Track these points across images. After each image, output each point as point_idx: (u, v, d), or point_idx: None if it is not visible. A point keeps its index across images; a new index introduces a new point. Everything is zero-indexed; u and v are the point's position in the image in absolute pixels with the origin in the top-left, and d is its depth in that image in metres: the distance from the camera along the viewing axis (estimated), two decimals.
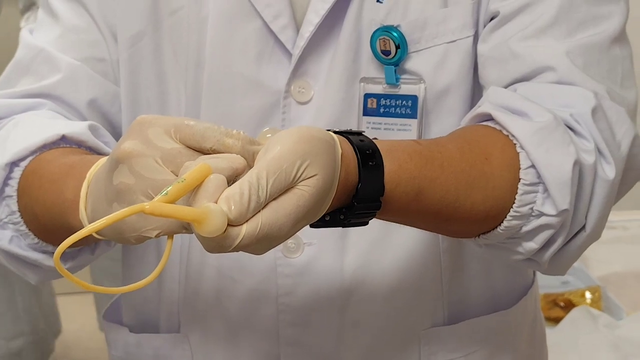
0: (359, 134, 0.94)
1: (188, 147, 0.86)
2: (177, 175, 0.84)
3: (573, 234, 1.03)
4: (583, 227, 1.04)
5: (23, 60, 1.18)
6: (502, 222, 1.01)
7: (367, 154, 0.92)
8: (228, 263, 1.16)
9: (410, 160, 0.95)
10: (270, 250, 1.10)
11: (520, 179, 1.00)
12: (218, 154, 0.85)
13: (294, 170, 0.84)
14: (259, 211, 0.82)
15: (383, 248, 1.15)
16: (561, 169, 0.99)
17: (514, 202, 1.00)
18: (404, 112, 1.11)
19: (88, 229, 0.80)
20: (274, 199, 0.83)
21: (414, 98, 1.11)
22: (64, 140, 1.07)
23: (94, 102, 1.17)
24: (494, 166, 1.00)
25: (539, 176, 1.00)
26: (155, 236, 0.86)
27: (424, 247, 1.15)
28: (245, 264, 1.15)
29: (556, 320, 2.23)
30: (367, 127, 1.12)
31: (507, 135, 1.02)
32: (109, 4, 1.17)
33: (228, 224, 0.81)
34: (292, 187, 0.84)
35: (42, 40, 1.18)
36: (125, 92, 1.17)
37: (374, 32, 1.10)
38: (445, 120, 1.12)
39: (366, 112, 1.12)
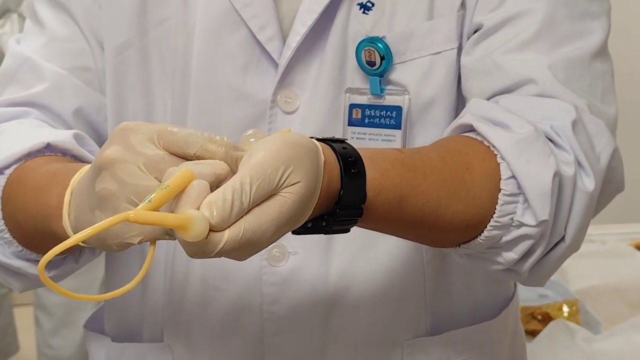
0: (342, 141, 0.95)
1: (171, 153, 0.86)
2: (160, 182, 0.85)
3: (552, 245, 1.05)
4: (562, 238, 1.05)
5: (9, 69, 1.18)
6: (483, 231, 1.02)
7: (350, 162, 0.93)
8: (213, 272, 1.16)
9: (393, 168, 0.96)
10: (255, 259, 1.12)
11: (500, 189, 1.01)
12: (202, 160, 0.86)
13: (278, 176, 0.84)
14: (242, 217, 0.83)
15: (367, 258, 1.16)
16: (541, 180, 1.00)
17: (494, 212, 1.01)
18: (388, 122, 1.12)
19: (72, 240, 0.80)
20: (257, 204, 0.84)
21: (398, 109, 1.12)
22: (48, 149, 1.07)
23: (80, 111, 1.17)
24: (474, 176, 1.01)
25: (519, 187, 1.01)
26: (138, 242, 0.86)
27: (408, 258, 1.16)
28: (230, 272, 1.16)
29: (533, 334, 2.24)
30: (352, 137, 1.13)
31: (488, 146, 1.03)
32: (95, 13, 1.17)
33: (210, 230, 0.81)
34: (275, 194, 0.85)
35: (29, 49, 1.18)
36: (111, 101, 1.18)
37: (360, 43, 1.11)
38: (429, 132, 1.13)
39: (351, 122, 1.13)
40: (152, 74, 1.17)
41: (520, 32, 1.09)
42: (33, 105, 1.16)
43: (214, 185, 0.83)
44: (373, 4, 1.12)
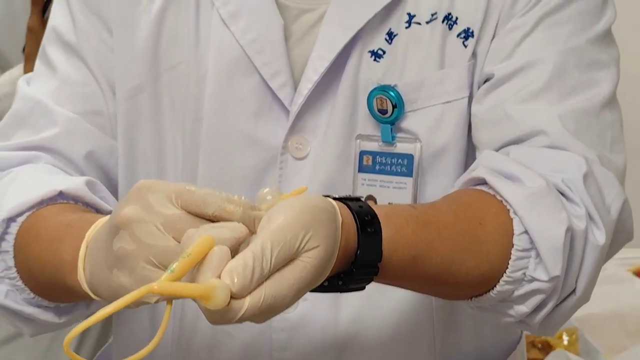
0: (358, 199, 0.95)
1: (189, 212, 0.87)
2: (178, 242, 0.85)
3: (563, 298, 1.05)
4: (573, 291, 1.05)
5: (20, 112, 1.18)
6: (495, 286, 1.02)
7: (366, 220, 0.93)
8: None
9: (408, 225, 0.97)
10: None
11: (513, 244, 1.01)
12: (220, 223, 0.86)
13: (298, 241, 0.85)
14: (262, 283, 0.83)
15: (377, 303, 1.16)
16: (554, 235, 1.01)
17: (507, 267, 1.01)
18: (399, 170, 1.13)
19: (97, 317, 0.79)
20: (277, 269, 0.84)
21: (409, 157, 1.12)
22: (61, 196, 1.07)
23: (91, 155, 1.17)
24: (487, 231, 1.01)
25: (531, 242, 1.01)
26: (155, 302, 0.86)
27: (418, 303, 1.17)
28: None
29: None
30: (363, 184, 1.14)
31: (501, 200, 1.03)
32: (107, 57, 1.18)
33: (231, 297, 0.82)
34: (294, 258, 0.85)
35: (39, 92, 1.18)
36: (122, 145, 1.18)
37: (371, 91, 1.12)
38: (440, 180, 1.14)
39: (362, 168, 1.14)
40: (164, 118, 1.17)
41: (530, 82, 1.10)
42: (44, 149, 1.16)
43: (234, 250, 0.84)
44: (384, 52, 1.13)
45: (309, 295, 1.12)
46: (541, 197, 1.02)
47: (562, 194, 1.05)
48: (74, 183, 1.09)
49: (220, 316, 0.82)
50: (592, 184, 1.06)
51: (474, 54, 1.13)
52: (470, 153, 1.15)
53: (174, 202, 0.87)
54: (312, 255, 0.86)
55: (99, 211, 1.10)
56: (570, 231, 1.02)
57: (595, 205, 1.05)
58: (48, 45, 1.21)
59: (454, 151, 1.13)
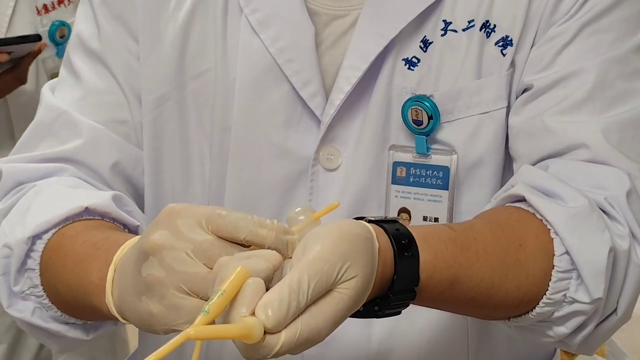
0: (394, 221, 0.93)
1: (220, 237, 0.84)
2: (210, 268, 0.83)
3: (604, 318, 1.03)
4: (614, 311, 1.03)
5: (44, 121, 1.16)
6: (535, 307, 1.00)
7: (403, 244, 0.91)
8: None
9: (446, 249, 0.94)
10: None
11: (554, 265, 0.99)
12: (254, 252, 0.84)
13: (335, 273, 0.82)
14: (298, 316, 0.80)
15: (410, 318, 1.13)
16: (596, 257, 0.99)
17: (547, 289, 0.99)
18: (434, 182, 1.09)
19: None
20: (313, 302, 0.81)
21: (445, 169, 1.09)
22: (87, 212, 1.06)
23: (117, 166, 1.15)
24: (528, 253, 0.99)
25: (572, 263, 0.99)
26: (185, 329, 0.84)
27: (452, 317, 1.14)
28: None
29: None
30: (396, 196, 1.11)
31: (541, 220, 1.01)
32: (133, 66, 1.15)
33: (266, 332, 0.79)
34: (331, 290, 0.83)
35: (64, 101, 1.16)
36: (148, 154, 1.16)
37: (406, 102, 1.09)
38: (476, 192, 1.11)
39: (395, 180, 1.11)
40: (190, 127, 1.15)
41: (571, 93, 1.07)
42: (69, 161, 1.14)
43: (268, 278, 0.81)
44: (419, 60, 1.09)
45: None
46: (584, 218, 1.00)
47: (604, 212, 1.02)
48: (100, 199, 1.07)
49: (254, 351, 0.80)
50: (636, 200, 1.03)
51: (512, 63, 1.09)
52: (507, 165, 1.12)
53: (204, 227, 0.84)
54: (350, 286, 0.83)
55: (126, 226, 1.08)
56: (613, 252, 0.99)
57: (639, 222, 1.02)
58: (72, 52, 1.19)
59: (491, 163, 1.10)
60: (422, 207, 1.10)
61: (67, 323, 1.05)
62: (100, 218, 1.06)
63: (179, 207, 0.86)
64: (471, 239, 0.97)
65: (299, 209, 0.88)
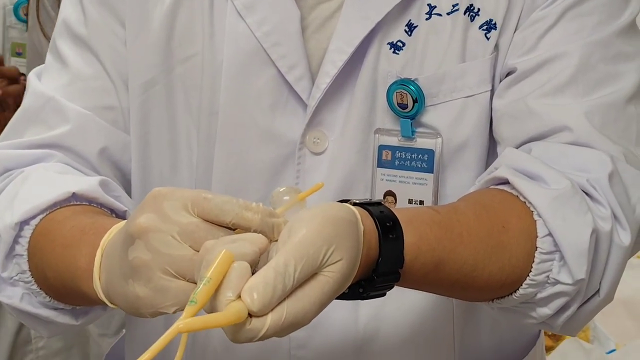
0: (379, 203, 0.93)
1: (206, 220, 0.85)
2: (196, 250, 0.84)
3: (587, 299, 1.03)
4: (597, 292, 1.04)
5: (31, 108, 1.16)
6: (518, 289, 1.01)
7: (388, 227, 0.91)
8: None
9: (430, 231, 0.95)
10: None
11: (537, 247, 1.00)
12: (239, 235, 0.84)
13: (320, 256, 0.83)
14: (284, 299, 0.81)
15: (397, 301, 1.14)
16: (579, 238, 0.99)
17: (530, 271, 1.00)
18: (419, 165, 1.10)
19: None
20: (299, 285, 0.82)
21: (430, 152, 1.10)
22: (74, 197, 1.06)
23: (104, 152, 1.15)
24: (511, 235, 0.99)
25: (555, 244, 1.00)
26: (173, 312, 0.85)
27: (437, 300, 1.15)
28: None
29: (545, 350, 2.23)
30: (382, 179, 1.11)
31: (524, 202, 1.01)
32: (119, 52, 1.15)
33: (252, 315, 0.80)
34: (316, 273, 0.83)
35: (50, 87, 1.16)
36: (135, 139, 1.16)
37: (391, 85, 1.09)
38: (461, 175, 1.11)
39: (380, 163, 1.11)
40: (177, 111, 1.15)
41: (554, 76, 1.07)
42: (56, 147, 1.14)
43: (255, 263, 0.82)
44: (404, 44, 1.10)
45: None
46: (566, 199, 1.00)
47: (587, 194, 1.03)
48: (87, 184, 1.07)
49: (241, 335, 0.80)
50: (618, 183, 1.03)
51: (496, 47, 1.10)
52: (492, 148, 1.12)
53: (190, 210, 0.85)
54: (335, 269, 0.84)
55: (114, 211, 1.09)
56: (595, 233, 1.00)
57: (621, 205, 1.03)
58: (58, 38, 1.19)
59: (476, 146, 1.11)
60: (408, 190, 1.11)
61: (56, 309, 1.06)
62: (87, 203, 1.06)
63: (165, 191, 0.86)
64: (455, 221, 0.97)
65: (284, 188, 0.88)
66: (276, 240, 0.85)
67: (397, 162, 1.11)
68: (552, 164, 1.04)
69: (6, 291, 1.06)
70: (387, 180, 1.11)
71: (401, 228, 0.92)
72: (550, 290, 1.00)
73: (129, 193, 1.17)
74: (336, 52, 1.09)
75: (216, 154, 1.13)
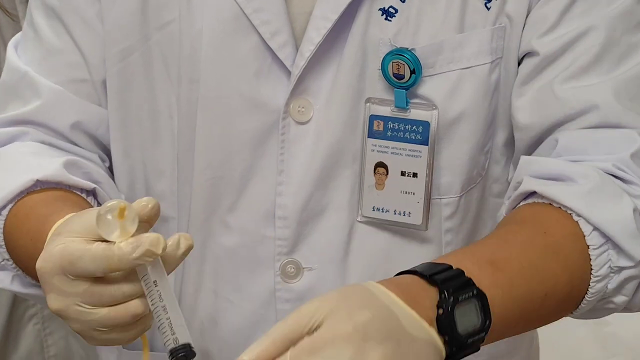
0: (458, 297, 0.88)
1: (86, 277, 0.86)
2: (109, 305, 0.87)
3: None
4: None
5: (8, 83, 1.15)
6: (588, 289, 1.00)
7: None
8: (225, 285, 1.11)
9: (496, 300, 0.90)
10: (270, 275, 1.09)
11: (588, 245, 0.99)
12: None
13: None
14: None
15: (385, 273, 1.09)
16: (624, 222, 0.99)
17: (591, 268, 0.99)
18: (414, 137, 1.05)
19: None
20: None
21: (425, 124, 1.05)
22: (40, 183, 1.05)
23: (78, 126, 1.13)
24: (555, 238, 0.98)
25: (604, 236, 0.99)
26: None
27: None
28: (243, 287, 1.11)
29: None
30: (373, 150, 1.06)
31: (559, 207, 1.00)
32: (92, 23, 1.11)
33: None
34: None
35: (26, 60, 1.14)
36: (114, 109, 1.12)
37: (386, 55, 1.04)
38: (456, 148, 1.07)
39: (371, 134, 1.06)
40: (156, 80, 1.10)
41: (579, 56, 1.04)
42: (30, 123, 1.13)
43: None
44: (396, 10, 1.04)
45: (316, 264, 1.09)
46: (599, 190, 1.00)
47: (617, 177, 1.02)
48: (51, 168, 1.06)
49: None
50: None
51: (504, 15, 1.05)
52: (492, 121, 1.08)
53: (69, 277, 0.87)
54: None
55: (84, 190, 1.08)
56: (637, 211, 1.00)
57: None
58: (33, 8, 1.15)
59: (472, 119, 1.06)
60: (400, 161, 1.06)
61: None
62: (55, 186, 1.06)
63: (40, 264, 0.88)
64: (502, 262, 0.93)
65: (113, 202, 0.85)
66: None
67: (389, 133, 1.06)
68: (580, 152, 1.02)
69: None
70: (378, 151, 1.06)
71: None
72: (618, 279, 1.00)
73: (112, 163, 1.15)
74: (320, 19, 1.04)
75: (198, 124, 1.09)
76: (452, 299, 0.85)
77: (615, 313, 1.07)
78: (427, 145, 1.05)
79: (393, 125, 1.06)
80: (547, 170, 1.02)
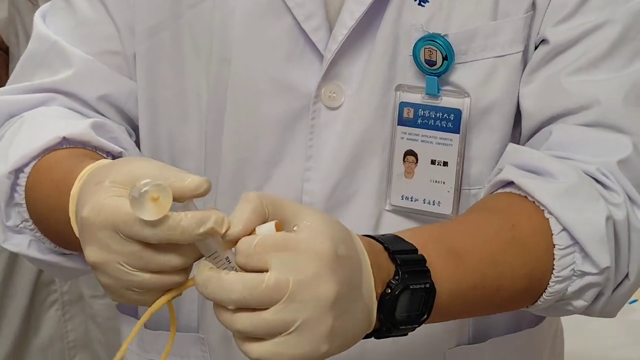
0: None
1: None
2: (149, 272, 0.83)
3: (618, 284, 1.01)
4: (627, 276, 1.01)
5: (37, 52, 1.13)
6: (547, 288, 0.98)
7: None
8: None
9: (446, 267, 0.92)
10: None
11: (554, 244, 0.97)
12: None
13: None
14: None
15: None
16: (595, 227, 0.97)
17: (553, 268, 0.97)
18: (445, 125, 1.04)
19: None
20: None
21: (457, 112, 1.03)
22: (66, 142, 1.03)
23: (106, 98, 1.11)
24: (523, 233, 0.97)
25: (572, 238, 0.98)
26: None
27: None
28: None
29: None
30: (402, 138, 1.05)
31: (533, 202, 0.98)
32: None
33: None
34: None
35: (56, 30, 1.12)
36: (142, 86, 1.11)
37: (418, 41, 1.03)
38: (486, 137, 1.06)
39: (401, 121, 1.05)
40: (185, 59, 1.09)
41: (591, 48, 1.02)
42: (59, 91, 1.11)
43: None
44: None
45: None
46: (575, 192, 0.98)
47: (598, 181, 1.00)
48: (78, 127, 1.04)
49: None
50: (633, 167, 1.01)
51: (533, 5, 1.03)
52: (519, 111, 1.07)
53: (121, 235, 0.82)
54: None
55: (110, 153, 1.06)
56: (611, 219, 0.98)
57: (637, 187, 1.00)
58: None
59: (503, 108, 1.05)
60: (431, 150, 1.05)
61: (63, 254, 1.05)
62: (82, 147, 1.04)
63: (88, 213, 0.83)
64: (461, 223, 0.95)
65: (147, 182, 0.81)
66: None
67: (419, 121, 1.04)
68: (569, 150, 1.01)
69: (14, 239, 1.05)
70: (407, 139, 1.05)
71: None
72: (579, 283, 0.98)
73: (139, 138, 1.14)
74: (354, 3, 1.03)
75: (228, 106, 1.07)
76: (403, 284, 0.87)
77: None
78: (459, 133, 1.04)
79: (423, 113, 1.04)
80: (530, 162, 1.00)
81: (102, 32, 1.11)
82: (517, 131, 1.07)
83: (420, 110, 1.04)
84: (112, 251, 0.82)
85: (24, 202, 1.03)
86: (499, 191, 1.02)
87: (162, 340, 1.17)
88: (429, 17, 1.03)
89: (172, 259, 0.82)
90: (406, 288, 0.87)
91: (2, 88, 1.14)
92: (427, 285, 0.88)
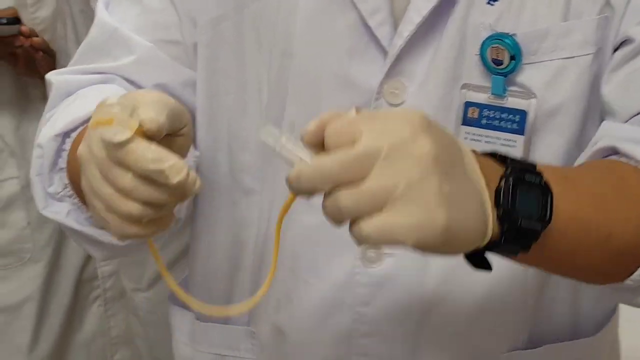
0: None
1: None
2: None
3: None
4: None
5: (98, 39, 1.13)
6: None
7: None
8: (303, 265, 1.10)
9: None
10: (349, 259, 1.07)
11: None
12: None
13: None
14: None
15: (467, 267, 1.06)
16: None
17: None
18: (509, 126, 1.02)
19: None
20: None
21: (522, 113, 1.02)
22: None
23: (164, 86, 1.10)
24: (632, 183, 0.93)
25: None
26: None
27: (512, 269, 1.07)
28: (321, 268, 1.09)
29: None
30: (466, 138, 1.04)
31: (637, 165, 0.95)
32: None
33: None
34: None
35: (119, 17, 1.12)
36: (202, 78, 1.11)
37: (486, 39, 1.01)
38: (552, 140, 1.04)
39: (466, 121, 1.03)
40: (247, 51, 1.08)
41: None
42: (118, 77, 1.10)
43: None
44: None
45: (397, 251, 1.05)
46: None
47: None
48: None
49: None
50: None
51: (609, 6, 1.01)
52: (590, 115, 1.05)
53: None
54: None
55: None
56: None
57: None
58: None
59: (571, 111, 1.03)
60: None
61: (100, 227, 1.03)
62: None
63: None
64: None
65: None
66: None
67: (484, 121, 1.03)
68: None
69: (53, 206, 1.05)
70: (471, 139, 1.04)
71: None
72: None
73: (195, 128, 1.13)
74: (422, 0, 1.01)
75: (288, 100, 1.07)
76: (517, 175, 0.84)
77: None
78: (523, 135, 1.02)
79: (488, 113, 1.03)
80: (627, 134, 0.98)
81: (165, 21, 1.11)
82: (586, 135, 1.05)
83: (485, 110, 1.03)
84: (93, 155, 0.85)
85: (65, 166, 1.03)
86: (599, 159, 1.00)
87: (213, 333, 1.17)
88: (498, 16, 1.01)
89: (153, 192, 0.84)
90: (521, 180, 0.84)
91: (62, 69, 1.14)
92: (541, 182, 0.85)
